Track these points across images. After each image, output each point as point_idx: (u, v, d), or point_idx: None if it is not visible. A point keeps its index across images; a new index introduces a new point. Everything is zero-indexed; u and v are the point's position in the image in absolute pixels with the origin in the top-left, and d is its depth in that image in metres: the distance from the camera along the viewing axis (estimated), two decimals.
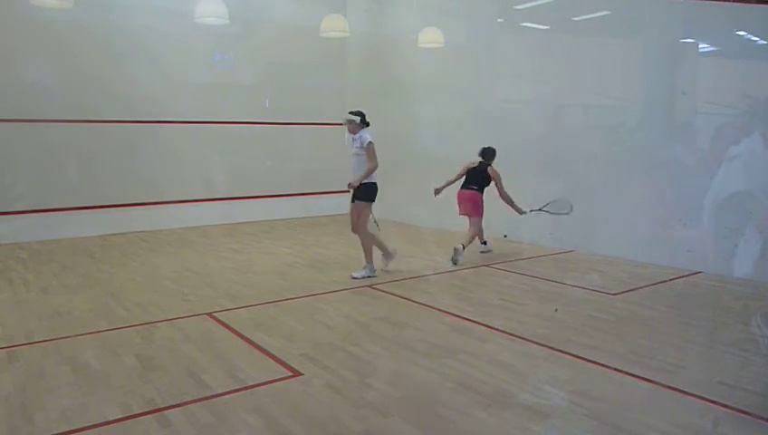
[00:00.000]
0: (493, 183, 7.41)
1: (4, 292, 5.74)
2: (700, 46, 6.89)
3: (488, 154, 7.50)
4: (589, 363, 3.85)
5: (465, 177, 7.49)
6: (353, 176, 6.11)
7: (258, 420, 3.06)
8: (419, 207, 10.09)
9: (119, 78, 9.01)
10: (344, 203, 12.08)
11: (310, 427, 3.02)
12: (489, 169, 7.41)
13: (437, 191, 7.42)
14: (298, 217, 10.92)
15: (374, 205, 6.24)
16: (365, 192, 6.13)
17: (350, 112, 6.21)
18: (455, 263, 6.93)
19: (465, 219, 7.53)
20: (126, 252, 7.80)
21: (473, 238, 7.32)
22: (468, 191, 7.39)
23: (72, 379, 3.61)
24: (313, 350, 4.09)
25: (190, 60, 9.68)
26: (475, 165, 7.47)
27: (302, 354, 4.00)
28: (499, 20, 9.01)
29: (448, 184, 7.48)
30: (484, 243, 7.66)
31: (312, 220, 10.82)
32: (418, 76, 10.08)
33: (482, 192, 7.41)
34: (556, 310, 5.05)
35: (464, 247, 7.05)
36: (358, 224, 6.17)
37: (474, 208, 7.38)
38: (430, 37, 9.30)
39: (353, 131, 6.18)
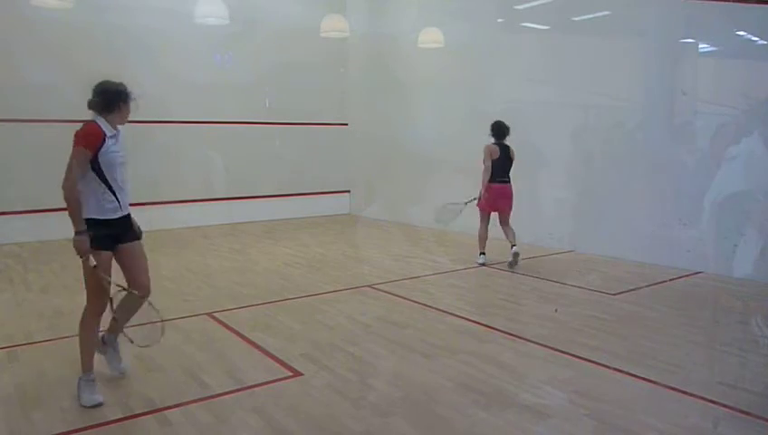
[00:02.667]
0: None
1: (4, 292, 5.75)
2: (700, 46, 6.89)
3: (506, 131, 6.77)
4: (589, 363, 3.85)
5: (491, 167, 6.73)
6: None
7: (258, 421, 3.06)
8: (419, 208, 10.09)
9: (119, 78, 8.94)
10: (344, 203, 12.25)
11: (310, 427, 3.02)
12: (511, 149, 6.78)
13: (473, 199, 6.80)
14: (298, 217, 10.92)
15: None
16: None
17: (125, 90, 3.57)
18: (513, 265, 6.60)
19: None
20: None
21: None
22: (505, 185, 6.73)
23: (72, 379, 3.61)
24: (313, 350, 4.09)
25: (190, 60, 9.67)
26: (498, 152, 6.70)
27: (302, 354, 4.00)
28: (499, 20, 9.01)
29: (486, 185, 6.70)
30: (482, 253, 7.03)
31: (312, 220, 10.82)
32: (418, 76, 10.08)
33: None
34: (556, 310, 5.05)
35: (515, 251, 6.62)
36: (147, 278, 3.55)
37: (510, 203, 6.77)
38: (430, 37, 9.30)
39: (121, 122, 3.57)
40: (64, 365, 3.82)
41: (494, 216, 6.87)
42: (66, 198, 3.27)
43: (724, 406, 3.22)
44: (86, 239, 3.23)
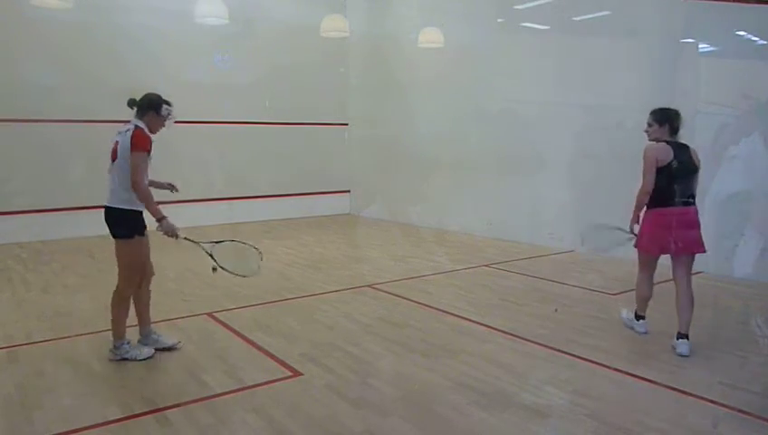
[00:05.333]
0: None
1: (4, 292, 5.75)
2: (700, 46, 6.89)
3: (680, 122, 4.19)
4: (589, 363, 3.85)
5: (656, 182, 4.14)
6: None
7: (258, 420, 3.06)
8: (419, 207, 10.11)
9: (119, 78, 8.99)
10: (344, 203, 12.24)
11: (310, 427, 3.02)
12: (692, 149, 4.15)
13: (633, 230, 4.39)
14: (298, 217, 10.92)
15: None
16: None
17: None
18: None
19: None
20: None
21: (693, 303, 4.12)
22: (685, 209, 4.11)
23: (72, 379, 3.62)
24: (313, 350, 4.09)
25: (190, 60, 9.68)
26: (670, 156, 4.05)
27: (302, 354, 4.00)
28: (499, 20, 9.01)
29: (641, 210, 4.29)
30: (641, 317, 4.46)
31: (312, 220, 10.82)
32: (418, 76, 10.08)
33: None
34: (556, 310, 5.05)
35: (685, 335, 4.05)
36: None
37: (701, 239, 4.11)
38: (430, 37, 9.31)
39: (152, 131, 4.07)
40: (64, 365, 3.82)
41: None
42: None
43: (724, 406, 3.23)
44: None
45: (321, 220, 10.92)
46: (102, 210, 3.89)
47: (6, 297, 5.56)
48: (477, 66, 9.06)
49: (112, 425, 3.02)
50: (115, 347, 3.89)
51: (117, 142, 3.86)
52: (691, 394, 3.37)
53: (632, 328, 4.50)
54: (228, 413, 3.15)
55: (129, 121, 3.94)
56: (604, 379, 3.62)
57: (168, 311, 5.04)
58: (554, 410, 3.20)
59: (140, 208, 3.87)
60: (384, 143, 10.98)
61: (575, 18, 7.91)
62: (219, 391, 3.41)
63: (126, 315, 3.93)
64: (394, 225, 10.26)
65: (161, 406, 3.22)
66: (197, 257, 7.41)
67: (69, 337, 4.38)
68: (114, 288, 3.90)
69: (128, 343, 3.93)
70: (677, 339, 4.07)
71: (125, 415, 3.12)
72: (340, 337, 4.37)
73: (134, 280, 3.89)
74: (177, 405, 3.23)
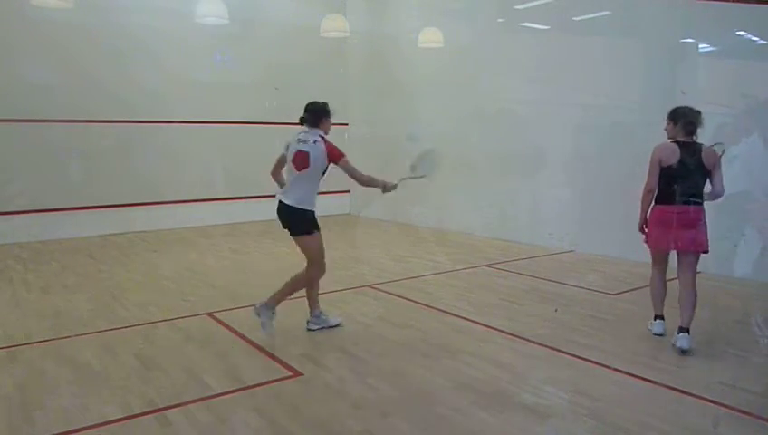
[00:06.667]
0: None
1: (4, 292, 5.74)
2: (699, 46, 6.89)
3: (697, 122, 4.21)
4: (589, 363, 3.85)
5: (659, 181, 4.23)
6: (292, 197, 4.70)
7: (258, 420, 3.07)
8: (419, 207, 10.10)
9: (119, 78, 9.00)
10: (344, 203, 12.23)
11: (310, 427, 3.02)
12: (706, 150, 4.15)
13: (644, 228, 4.45)
14: None
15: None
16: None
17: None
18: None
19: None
20: (126, 252, 7.81)
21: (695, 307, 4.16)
22: (688, 207, 4.16)
23: (72, 379, 3.62)
24: (313, 350, 4.09)
25: (190, 60, 9.68)
26: (675, 156, 4.11)
27: (302, 354, 4.00)
28: (499, 20, 9.01)
29: (646, 209, 4.42)
30: (658, 317, 4.44)
31: None
32: (418, 76, 10.08)
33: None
34: (556, 310, 5.05)
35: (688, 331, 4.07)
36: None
37: (700, 239, 4.20)
38: (430, 37, 9.31)
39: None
40: (64, 365, 3.82)
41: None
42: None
43: (724, 406, 3.23)
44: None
45: (322, 220, 10.87)
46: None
47: (6, 297, 5.56)
48: (477, 66, 9.05)
49: (112, 425, 3.02)
50: (264, 307, 4.33)
51: (306, 152, 4.66)
52: (691, 394, 3.37)
53: (651, 331, 4.39)
54: (228, 413, 3.15)
55: (306, 132, 4.72)
56: (604, 379, 3.62)
57: (168, 311, 5.05)
58: (554, 410, 3.20)
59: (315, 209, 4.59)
60: (384, 143, 10.97)
61: (575, 18, 7.91)
62: (219, 391, 3.41)
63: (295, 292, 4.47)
64: (394, 225, 10.26)
65: (161, 406, 3.22)
66: (197, 257, 7.44)
67: (69, 337, 4.38)
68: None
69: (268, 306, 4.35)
70: (678, 333, 4.08)
71: (125, 415, 3.12)
72: (340, 337, 4.37)
73: (323, 264, 4.59)
74: (177, 405, 3.23)
